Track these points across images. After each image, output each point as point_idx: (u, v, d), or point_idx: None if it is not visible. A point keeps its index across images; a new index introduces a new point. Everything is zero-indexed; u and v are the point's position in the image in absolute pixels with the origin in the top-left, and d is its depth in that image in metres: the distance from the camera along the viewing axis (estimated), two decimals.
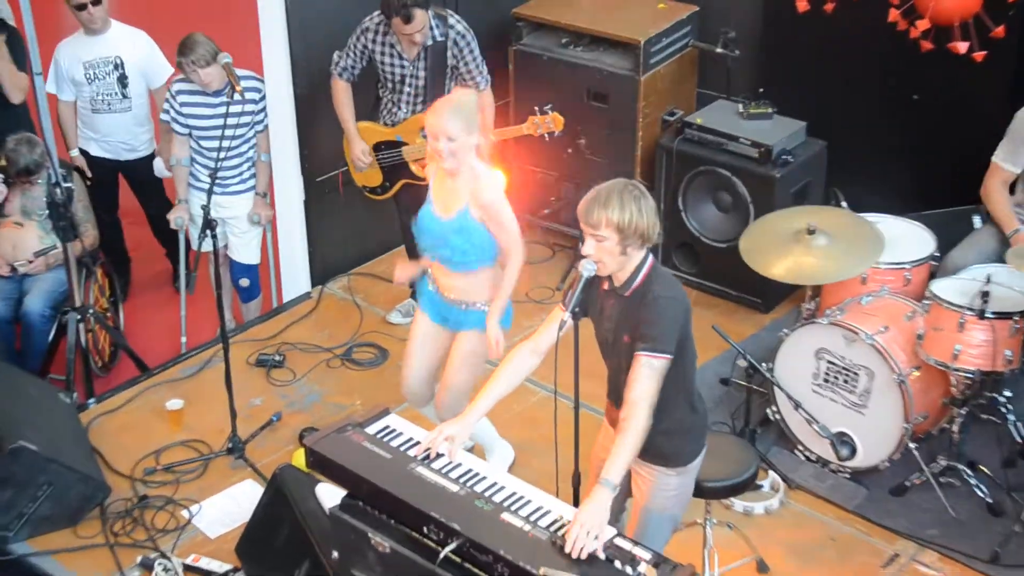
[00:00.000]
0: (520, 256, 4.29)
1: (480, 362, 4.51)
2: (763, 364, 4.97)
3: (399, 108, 5.48)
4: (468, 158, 4.22)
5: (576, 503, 3.78)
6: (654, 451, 3.67)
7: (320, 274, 6.34)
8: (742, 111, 6.00)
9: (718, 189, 5.95)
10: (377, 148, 5.57)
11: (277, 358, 5.73)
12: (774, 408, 5.07)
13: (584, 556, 3.30)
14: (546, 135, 5.25)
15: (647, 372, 3.51)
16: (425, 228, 4.37)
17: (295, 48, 5.82)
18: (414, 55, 5.32)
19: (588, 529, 3.34)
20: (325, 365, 5.74)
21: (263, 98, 5.79)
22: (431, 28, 5.27)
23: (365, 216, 6.42)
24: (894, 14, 5.15)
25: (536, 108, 5.28)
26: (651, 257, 3.63)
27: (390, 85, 5.44)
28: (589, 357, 3.80)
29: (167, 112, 5.75)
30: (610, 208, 3.51)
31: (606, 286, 3.68)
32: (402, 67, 5.37)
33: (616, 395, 3.75)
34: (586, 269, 3.61)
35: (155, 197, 6.32)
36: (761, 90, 6.17)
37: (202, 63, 5.50)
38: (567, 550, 3.31)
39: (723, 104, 6.19)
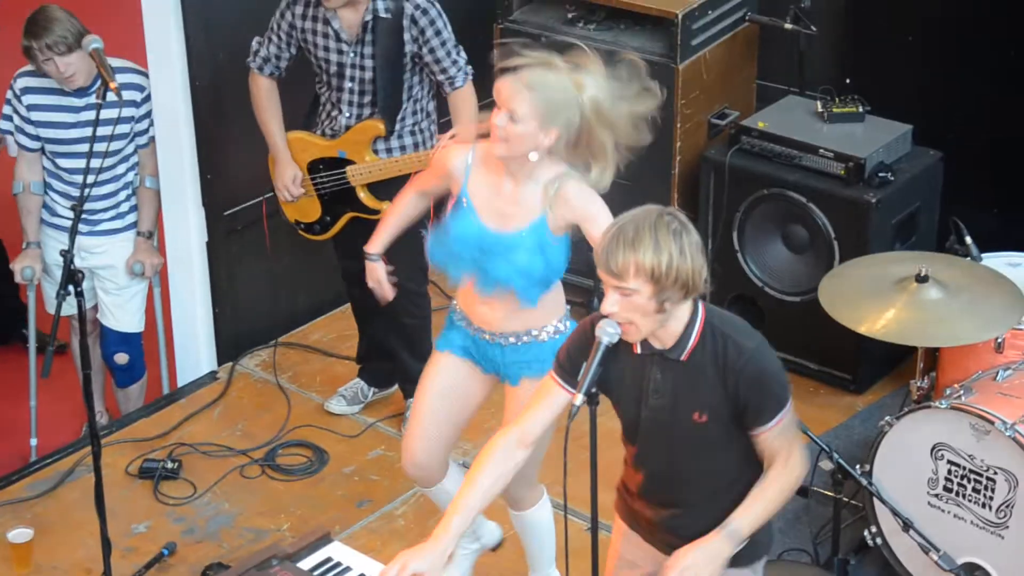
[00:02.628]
0: None
1: None
2: (857, 467, 4.99)
3: (340, 111, 5.54)
4: (528, 158, 4.29)
5: None
6: None
7: (230, 346, 6.37)
8: (822, 111, 6.08)
9: (788, 221, 6.01)
10: (314, 169, 5.63)
11: (169, 465, 5.73)
12: (874, 529, 5.08)
13: None
14: None
15: (781, 436, 3.68)
16: (467, 244, 4.42)
17: (192, 29, 5.88)
18: (355, 35, 5.40)
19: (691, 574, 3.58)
20: (238, 474, 5.74)
21: (147, 99, 5.84)
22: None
23: (295, 263, 6.46)
24: None
25: None
26: (700, 303, 3.69)
27: (326, 79, 5.52)
28: (608, 456, 3.82)
29: (7, 119, 5.79)
30: (640, 249, 3.55)
31: (638, 349, 3.72)
32: (339, 53, 5.44)
33: (659, 495, 3.79)
34: (606, 334, 3.63)
35: None
36: (848, 81, 6.26)
37: (61, 48, 5.54)
38: None
39: (794, 101, 6.26)
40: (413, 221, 4.83)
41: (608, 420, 3.75)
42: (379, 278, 4.92)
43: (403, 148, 5.53)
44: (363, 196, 5.57)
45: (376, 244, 4.85)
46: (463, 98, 5.45)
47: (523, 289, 4.39)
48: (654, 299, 3.57)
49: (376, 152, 5.52)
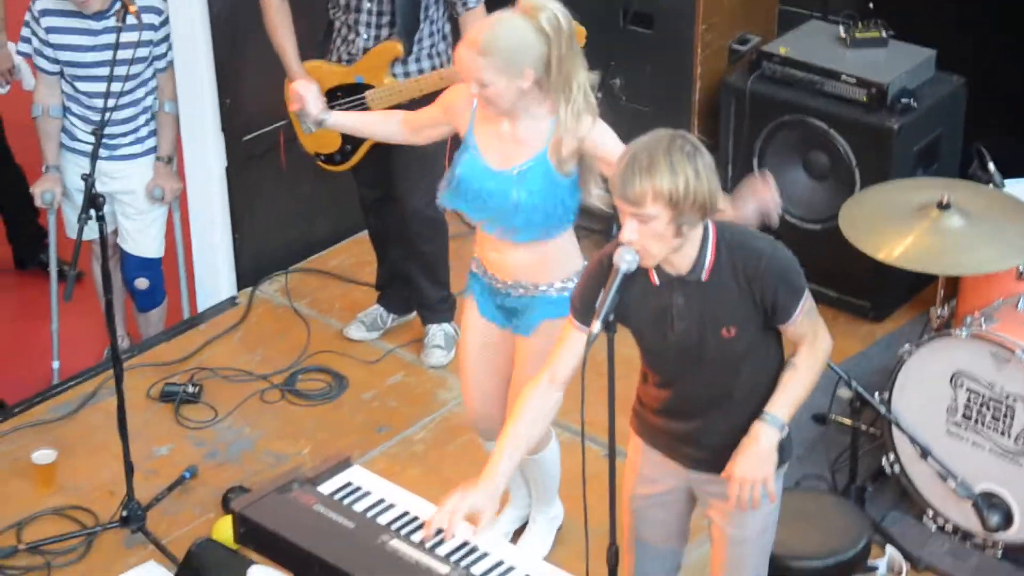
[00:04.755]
0: None
1: None
2: (876, 394, 5.02)
3: (357, 34, 5.52)
4: (520, 103, 4.27)
5: None
6: None
7: (250, 271, 6.39)
8: (844, 36, 6.04)
9: (810, 147, 6.00)
10: (332, 97, 5.61)
11: (190, 390, 5.78)
12: (892, 457, 5.11)
13: (755, 508, 3.74)
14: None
15: (807, 320, 3.77)
16: (472, 186, 4.41)
17: None
18: None
19: (753, 481, 3.70)
20: (258, 399, 5.79)
21: (165, 22, 5.82)
22: None
23: (313, 189, 6.47)
24: None
25: None
26: (709, 220, 3.71)
27: (344, 1, 5.51)
28: (625, 383, 3.85)
29: (27, 41, 5.78)
30: (656, 174, 3.55)
31: (655, 279, 3.75)
32: None
33: (683, 411, 3.85)
34: (624, 261, 3.64)
35: None
36: (871, 5, 6.22)
37: None
38: (735, 506, 3.74)
39: (817, 26, 6.22)
40: (378, 136, 4.84)
41: (623, 348, 3.77)
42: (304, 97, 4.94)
43: (420, 71, 5.51)
44: None
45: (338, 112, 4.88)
46: (476, 19, 5.44)
47: (524, 226, 4.37)
48: (672, 223, 3.58)
49: (395, 76, 5.52)
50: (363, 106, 5.55)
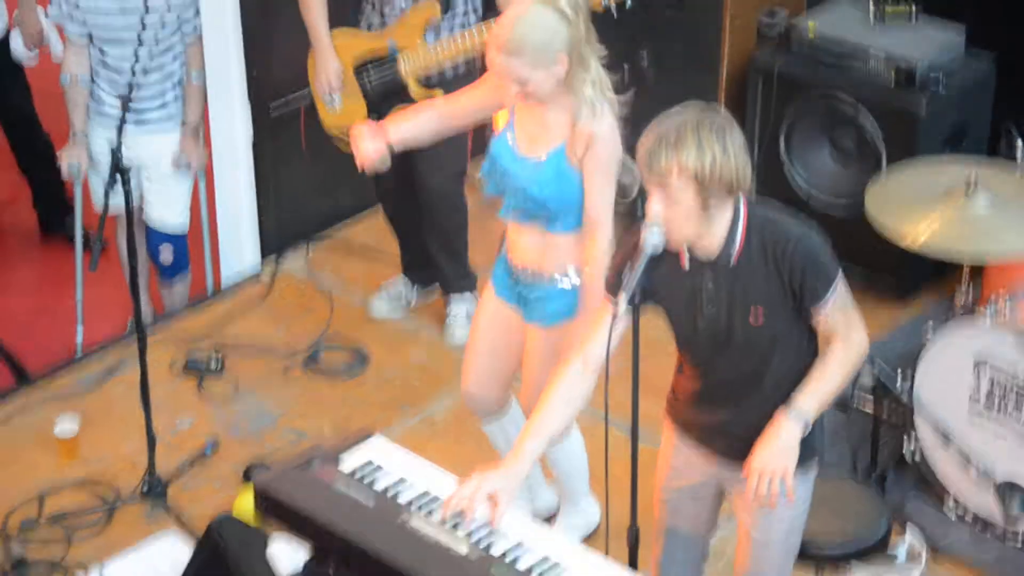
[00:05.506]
0: (605, 237, 4.33)
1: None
2: (898, 380, 5.01)
3: None
4: (557, 90, 4.27)
5: (633, 565, 3.84)
6: None
7: (274, 243, 6.41)
8: (874, 12, 6.02)
9: (837, 127, 5.98)
10: (360, 70, 5.60)
11: (213, 364, 5.80)
12: (913, 443, 5.12)
13: (771, 505, 3.70)
14: (613, 6, 5.22)
15: (839, 309, 3.71)
16: (499, 167, 4.43)
17: None
18: None
19: (771, 473, 3.65)
20: (281, 374, 5.81)
21: None
22: None
23: (338, 161, 6.47)
24: None
25: None
26: (742, 201, 3.69)
27: None
28: (649, 365, 3.86)
29: (56, 5, 5.80)
30: (683, 149, 3.55)
31: (686, 263, 3.74)
32: None
33: (715, 400, 3.85)
34: (651, 236, 3.64)
35: (14, 94, 6.35)
36: None
37: None
38: (751, 499, 3.68)
39: (846, 3, 6.19)
40: (432, 138, 4.74)
41: (648, 330, 3.77)
42: (369, 150, 4.64)
43: (453, 34, 5.48)
44: (414, 88, 5.50)
45: (394, 132, 4.67)
46: None
47: (537, 214, 4.37)
48: (699, 199, 3.58)
49: (426, 39, 5.48)
50: (394, 77, 5.52)
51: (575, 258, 4.42)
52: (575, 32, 4.19)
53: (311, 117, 5.88)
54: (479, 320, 4.73)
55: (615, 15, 5.23)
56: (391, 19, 5.49)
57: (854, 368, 3.79)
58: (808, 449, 3.82)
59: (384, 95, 5.58)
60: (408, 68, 5.48)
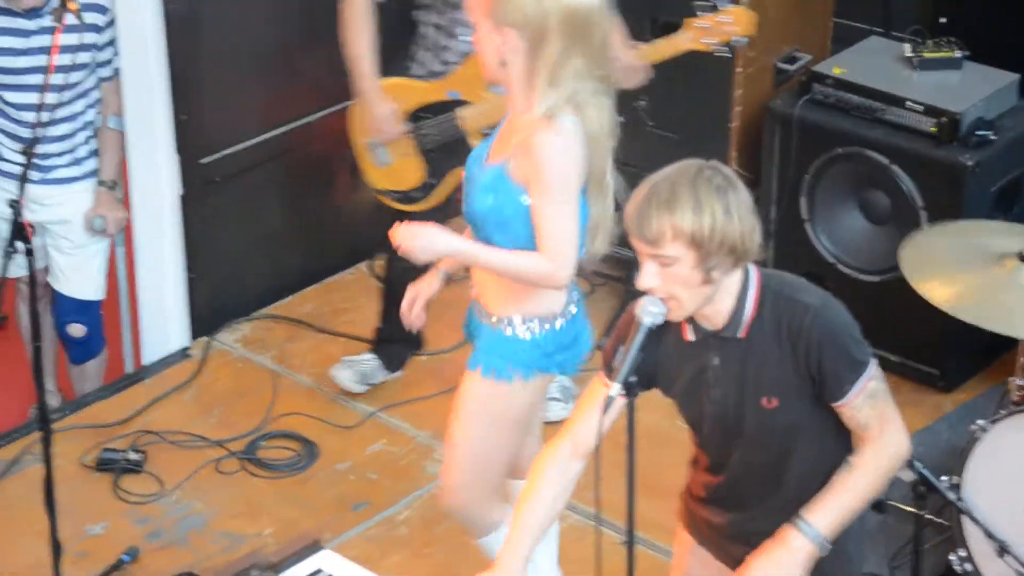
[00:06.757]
0: (554, 270, 4.31)
1: (503, 423, 4.53)
2: (944, 479, 4.99)
3: (453, 37, 5.44)
4: (501, 76, 4.32)
5: None
6: None
7: (206, 318, 6.40)
8: (911, 56, 6.05)
9: (867, 185, 5.99)
10: (415, 119, 5.55)
11: (132, 457, 5.75)
12: (962, 553, 5.08)
13: None
14: (720, 48, 5.29)
15: (868, 404, 3.65)
16: (468, 175, 4.49)
17: None
18: None
19: None
20: (213, 469, 5.77)
21: (112, 23, 5.83)
22: None
23: (283, 222, 6.49)
24: None
25: (695, 4, 5.34)
26: (753, 268, 3.68)
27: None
28: (650, 458, 3.83)
29: None
30: (677, 210, 3.52)
31: (690, 335, 3.73)
32: None
33: (728, 497, 3.81)
34: (647, 313, 3.62)
35: None
36: (943, 20, 6.23)
37: None
38: None
39: (878, 43, 6.24)
40: None
41: (648, 415, 3.76)
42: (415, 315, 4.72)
43: None
44: (475, 143, 5.49)
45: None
46: None
47: (483, 234, 4.39)
48: (699, 268, 3.56)
49: (494, 91, 5.44)
50: (453, 127, 5.52)
51: (520, 301, 4.42)
52: (537, 22, 4.18)
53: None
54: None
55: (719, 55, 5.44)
56: (451, 68, 5.47)
57: (886, 478, 3.74)
58: (841, 561, 3.80)
59: (442, 153, 5.58)
60: (470, 124, 5.45)
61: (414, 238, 4.31)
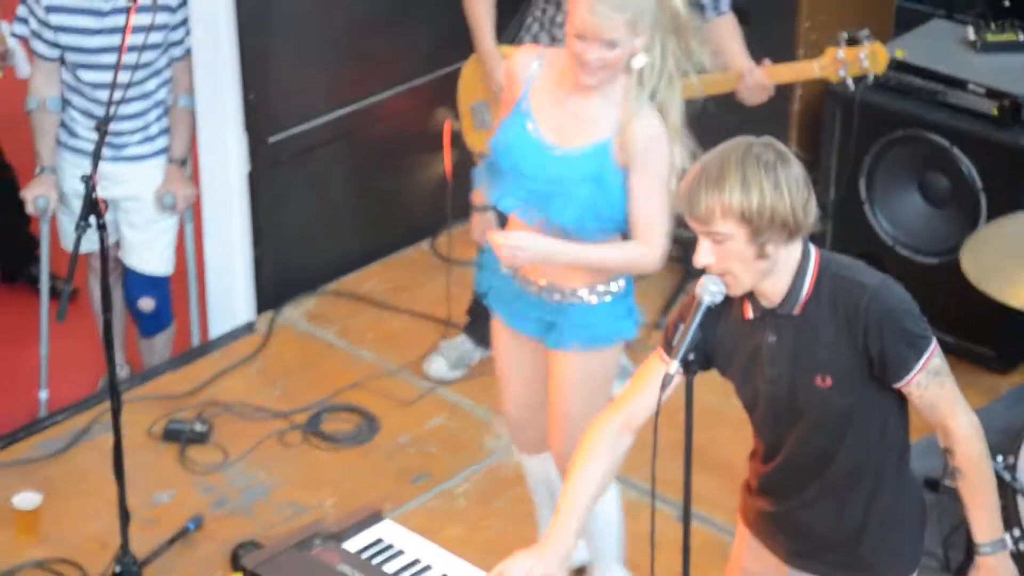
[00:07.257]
0: (651, 252, 4.40)
1: (604, 384, 4.60)
2: (999, 458, 5.00)
3: (564, 14, 5.46)
4: (619, 71, 4.33)
5: None
6: (847, 557, 3.81)
7: (272, 293, 6.44)
8: (974, 38, 6.04)
9: (928, 168, 5.99)
10: None
11: (198, 428, 5.81)
12: (1017, 533, 5.07)
13: None
14: (850, 81, 5.34)
15: (934, 382, 3.67)
16: (518, 159, 4.44)
17: None
18: None
19: None
20: (277, 441, 5.82)
21: (184, 3, 5.86)
22: None
23: (346, 200, 6.54)
24: None
25: (842, 35, 5.36)
26: (813, 247, 3.69)
27: None
28: (705, 435, 3.85)
29: (22, 21, 5.82)
30: (725, 187, 3.54)
31: (749, 313, 3.74)
32: None
33: (782, 484, 3.83)
34: (707, 291, 3.63)
35: None
36: (1007, 3, 6.21)
37: None
38: None
39: (941, 26, 6.23)
40: None
41: (703, 394, 3.76)
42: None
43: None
44: None
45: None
46: (725, 30, 5.52)
47: (577, 227, 4.39)
48: (752, 243, 3.57)
49: None
50: None
51: (587, 273, 4.47)
52: (654, 17, 4.25)
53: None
54: (501, 358, 4.79)
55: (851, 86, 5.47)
56: (560, 43, 5.50)
57: (988, 459, 3.80)
58: (893, 563, 3.87)
59: None
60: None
61: (514, 247, 4.34)
